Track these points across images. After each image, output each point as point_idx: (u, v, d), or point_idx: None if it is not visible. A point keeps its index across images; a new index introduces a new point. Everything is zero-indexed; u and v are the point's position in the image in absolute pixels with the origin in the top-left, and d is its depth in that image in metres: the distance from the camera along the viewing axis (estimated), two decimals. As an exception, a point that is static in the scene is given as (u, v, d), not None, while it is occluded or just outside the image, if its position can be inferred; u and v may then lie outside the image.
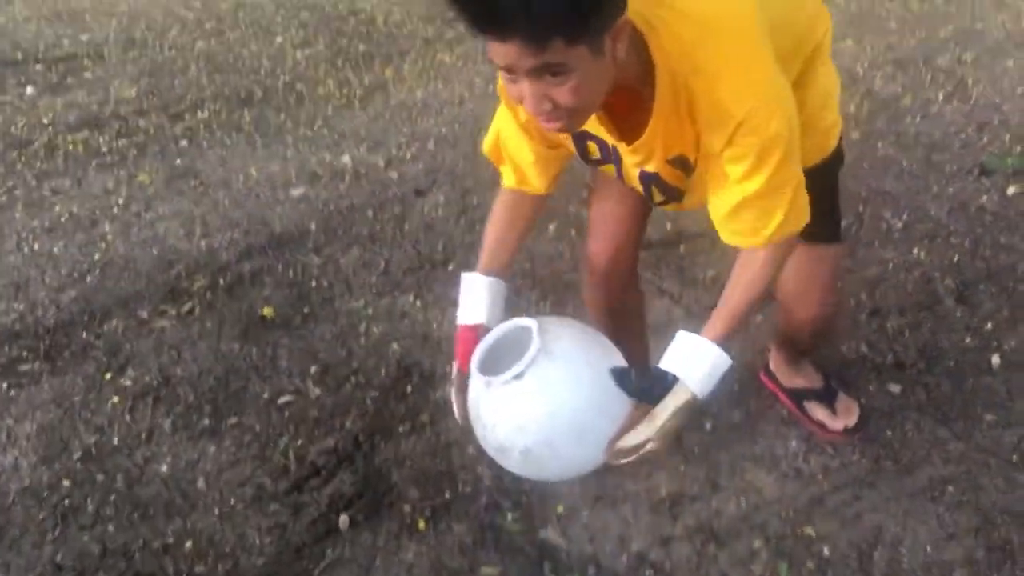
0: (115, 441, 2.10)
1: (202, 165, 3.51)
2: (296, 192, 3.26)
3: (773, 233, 1.36)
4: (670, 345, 1.39)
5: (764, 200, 1.33)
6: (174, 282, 2.71)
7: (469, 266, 1.57)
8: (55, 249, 2.91)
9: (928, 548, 1.72)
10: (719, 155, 1.31)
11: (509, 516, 1.84)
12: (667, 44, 1.26)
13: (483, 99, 3.99)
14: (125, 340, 2.44)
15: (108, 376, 2.30)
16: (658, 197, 1.51)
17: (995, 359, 2.19)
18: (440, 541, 1.80)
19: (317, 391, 2.23)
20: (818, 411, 2.01)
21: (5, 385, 2.28)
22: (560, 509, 1.85)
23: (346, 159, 3.51)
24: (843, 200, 1.77)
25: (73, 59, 4.78)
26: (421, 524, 1.83)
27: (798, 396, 2.05)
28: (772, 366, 2.10)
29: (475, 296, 1.53)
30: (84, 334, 2.47)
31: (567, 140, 1.50)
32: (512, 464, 1.41)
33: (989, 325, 2.32)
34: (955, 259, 2.63)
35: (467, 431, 1.49)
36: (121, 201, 3.21)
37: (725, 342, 1.37)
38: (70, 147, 3.64)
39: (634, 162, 1.44)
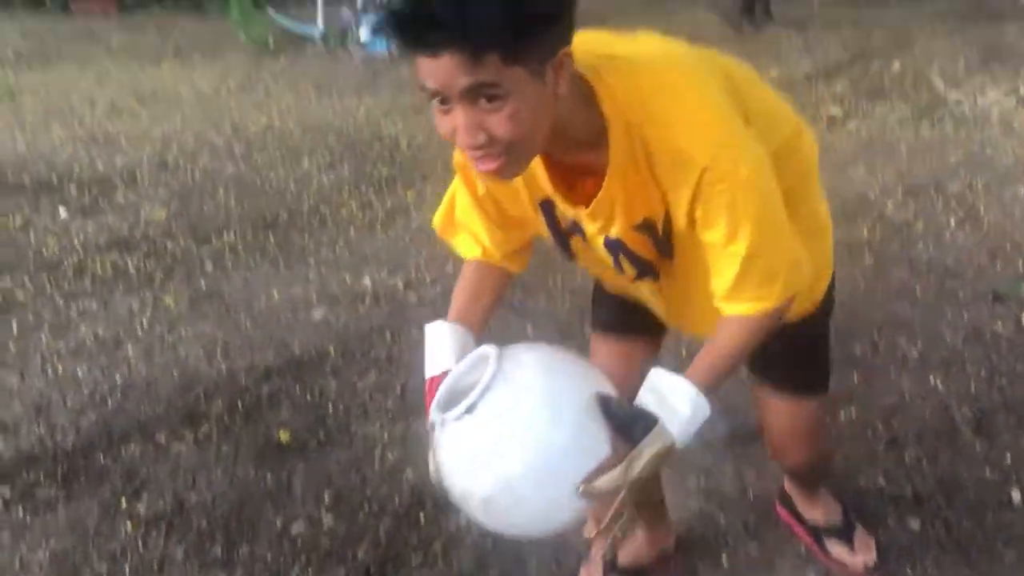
0: (127, 571, 2.09)
1: (226, 287, 3.59)
2: (317, 314, 3.32)
3: (781, 293, 1.27)
4: (649, 380, 1.25)
5: (761, 259, 1.23)
6: (192, 405, 2.74)
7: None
8: (78, 371, 2.96)
9: None
10: (692, 221, 1.21)
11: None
12: (619, 94, 1.18)
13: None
14: (142, 464, 2.46)
15: (123, 502, 2.30)
16: (630, 270, 1.40)
17: (1015, 494, 2.16)
18: None
19: (330, 519, 2.22)
20: (838, 548, 1.98)
21: (21, 511, 2.29)
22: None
23: (366, 281, 3.58)
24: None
25: (106, 182, 4.95)
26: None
27: (817, 532, 2.02)
28: (787, 490, 2.07)
29: (441, 343, 1.36)
30: (102, 458, 2.49)
31: (524, 218, 1.41)
32: (477, 513, 1.25)
33: (1008, 458, 2.30)
34: (972, 388, 2.62)
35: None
36: (145, 323, 3.28)
37: (709, 390, 1.23)
38: (99, 269, 3.74)
39: (596, 229, 1.32)
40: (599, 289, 1.73)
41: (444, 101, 1.07)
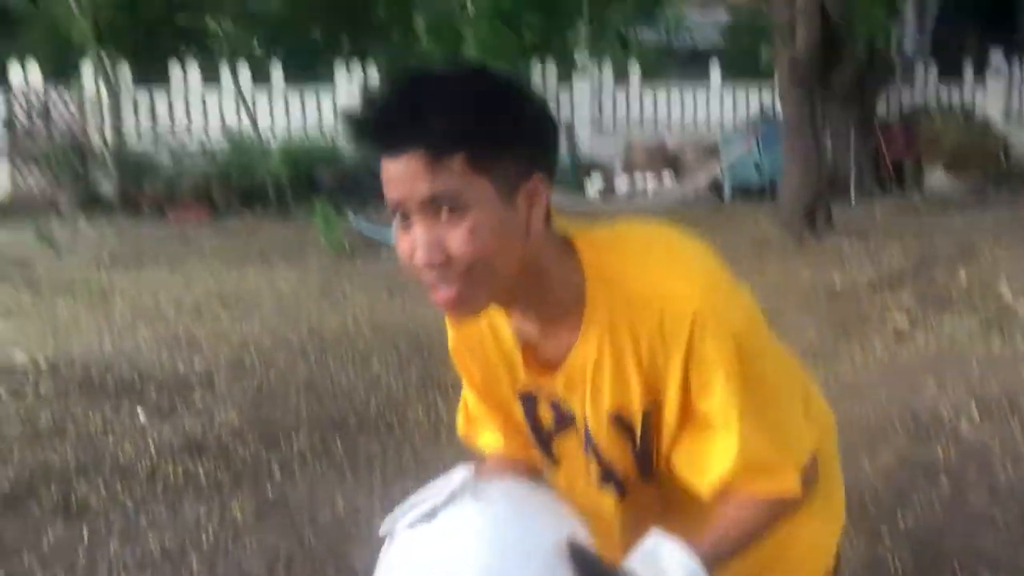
0: None
1: (292, 495, 3.62)
2: (380, 528, 3.31)
3: (797, 461, 1.15)
4: (644, 544, 1.12)
5: (769, 432, 1.12)
6: (252, 623, 2.72)
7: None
8: (143, 583, 2.98)
9: None
10: (687, 390, 1.12)
11: None
12: (601, 249, 1.14)
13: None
14: None
15: None
16: (594, 473, 1.27)
17: None
18: None
19: None
20: None
21: None
22: None
23: (430, 494, 3.58)
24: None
25: (184, 383, 5.13)
26: None
27: None
28: None
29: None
30: None
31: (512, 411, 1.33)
32: None
33: None
34: (1064, 633, 2.46)
35: None
36: (211, 532, 3.31)
37: (708, 565, 1.10)
38: (170, 474, 3.83)
39: (576, 407, 1.23)
40: None
41: (405, 216, 1.05)
